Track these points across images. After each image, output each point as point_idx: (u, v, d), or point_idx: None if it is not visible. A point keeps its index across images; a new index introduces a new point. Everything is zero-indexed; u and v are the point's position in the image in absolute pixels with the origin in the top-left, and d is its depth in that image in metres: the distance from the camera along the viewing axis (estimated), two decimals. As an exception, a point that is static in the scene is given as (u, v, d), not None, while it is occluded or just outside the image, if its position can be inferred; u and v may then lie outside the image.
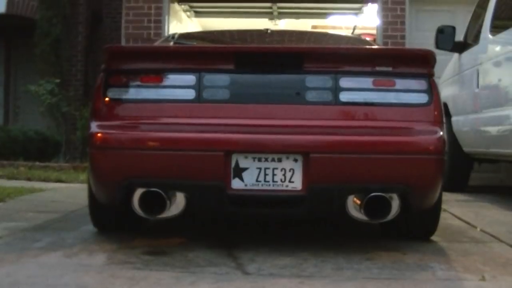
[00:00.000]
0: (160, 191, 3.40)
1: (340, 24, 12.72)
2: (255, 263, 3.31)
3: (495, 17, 6.40)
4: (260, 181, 3.45)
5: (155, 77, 3.60)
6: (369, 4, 10.70)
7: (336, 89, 3.54)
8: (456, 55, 7.35)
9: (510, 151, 5.70)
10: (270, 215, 3.94)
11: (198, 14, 12.08)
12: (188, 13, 11.82)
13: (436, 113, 3.59)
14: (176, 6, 10.96)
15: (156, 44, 4.82)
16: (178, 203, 3.51)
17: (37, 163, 9.43)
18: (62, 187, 7.12)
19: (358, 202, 3.47)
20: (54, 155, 10.66)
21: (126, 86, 3.62)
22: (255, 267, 3.23)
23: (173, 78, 3.61)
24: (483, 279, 3.08)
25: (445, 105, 7.26)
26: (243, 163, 3.45)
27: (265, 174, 3.45)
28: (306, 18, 12.30)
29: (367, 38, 5.75)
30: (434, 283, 3.05)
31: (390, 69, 3.61)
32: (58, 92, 10.80)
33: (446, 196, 5.14)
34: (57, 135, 11.09)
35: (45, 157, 10.33)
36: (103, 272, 3.10)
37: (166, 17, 10.17)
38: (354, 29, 12.35)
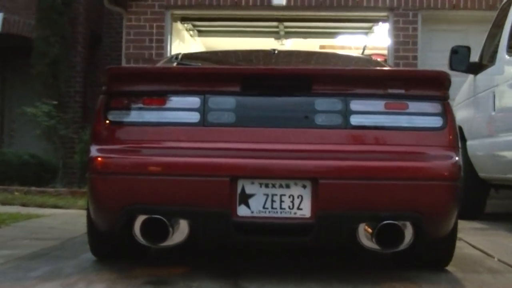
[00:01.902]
0: (163, 218, 3.41)
1: (350, 44, 12.76)
2: (261, 294, 3.30)
3: (512, 36, 6.42)
4: (267, 208, 3.46)
5: (158, 99, 3.62)
6: (380, 23, 10.76)
7: (346, 112, 3.56)
8: (471, 76, 7.36)
9: (528, 177, 5.69)
10: (277, 244, 3.94)
11: (201, 33, 12.15)
12: (191, 32, 11.89)
13: (451, 137, 3.59)
14: (178, 25, 11.03)
15: (159, 65, 4.85)
16: (181, 231, 3.52)
17: (33, 188, 9.45)
18: (59, 213, 7.12)
19: (370, 230, 3.47)
20: (51, 180, 10.69)
21: (128, 108, 3.64)
22: (261, 299, 3.22)
23: (176, 101, 3.63)
24: (501, 311, 3.07)
25: (460, 128, 7.26)
26: (249, 189, 3.46)
27: (273, 201, 3.45)
28: (314, 37, 12.36)
29: (378, 59, 5.77)
30: (449, 315, 3.03)
31: (402, 91, 3.62)
32: (55, 114, 10.85)
33: (462, 224, 5.13)
34: (54, 159, 11.12)
35: (42, 182, 10.35)
36: (102, 303, 3.10)
37: (169, 37, 10.24)
38: (364, 49, 12.36)
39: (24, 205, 7.87)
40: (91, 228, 3.90)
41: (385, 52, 10.52)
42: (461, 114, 7.42)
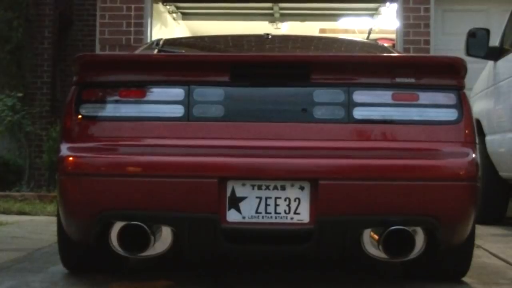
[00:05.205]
0: (143, 225, 3.42)
1: (353, 27, 12.79)
2: (255, 310, 3.32)
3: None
4: (260, 213, 3.47)
5: (137, 91, 3.64)
6: (388, 3, 10.77)
7: (349, 105, 3.58)
8: (490, 63, 7.38)
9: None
10: (272, 253, 3.96)
11: (186, 16, 12.15)
12: (174, 15, 11.89)
13: (467, 131, 3.62)
14: (160, 6, 11.02)
15: (138, 52, 4.86)
16: (164, 239, 3.53)
17: (-5, 192, 9.45)
18: (25, 220, 7.12)
19: (376, 237, 3.49)
20: (15, 183, 10.67)
21: (103, 101, 3.66)
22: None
23: (157, 92, 3.64)
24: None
25: (478, 122, 7.29)
26: (240, 191, 3.47)
27: (266, 205, 3.47)
28: (313, 20, 12.38)
29: (385, 44, 5.80)
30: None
31: (412, 80, 3.64)
32: (20, 108, 10.82)
33: (480, 229, 5.15)
34: (20, 159, 11.10)
35: (5, 185, 10.34)
36: (75, 321, 3.11)
37: (149, 20, 10.22)
38: (369, 33, 12.43)
39: (-16, 211, 7.88)
40: (62, 237, 3.91)
41: (393, 36, 10.54)
42: (479, 106, 7.44)
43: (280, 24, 12.51)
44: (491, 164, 7.09)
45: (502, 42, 7.24)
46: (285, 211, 3.47)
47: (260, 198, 3.47)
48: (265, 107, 3.60)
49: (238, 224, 3.47)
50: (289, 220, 3.48)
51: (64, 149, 3.60)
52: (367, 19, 12.13)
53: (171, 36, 8.24)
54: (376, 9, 11.51)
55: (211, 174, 3.45)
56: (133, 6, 10.09)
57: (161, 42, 4.83)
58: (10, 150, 11.31)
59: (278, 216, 3.47)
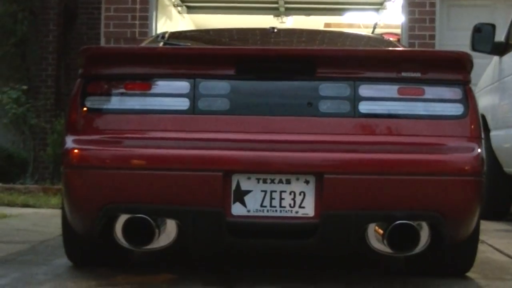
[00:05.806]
0: (148, 218, 3.42)
1: (358, 22, 12.77)
2: (259, 304, 3.32)
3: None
4: (265, 207, 3.47)
5: (142, 84, 3.64)
6: (393, -2, 10.76)
7: (355, 99, 3.57)
8: (496, 58, 7.37)
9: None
10: (276, 247, 3.96)
11: (191, 9, 12.14)
12: (179, 8, 11.88)
13: (472, 126, 3.61)
14: (165, 0, 11.01)
15: (143, 45, 4.86)
16: (168, 232, 3.53)
17: (0, 184, 9.44)
18: (29, 212, 7.13)
19: (381, 231, 3.49)
20: (20, 176, 10.68)
21: (108, 94, 3.66)
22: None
23: (163, 85, 3.64)
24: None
25: (483, 117, 7.28)
26: (245, 185, 3.48)
27: (271, 198, 3.47)
28: (318, 14, 12.37)
29: (390, 39, 5.79)
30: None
31: (418, 75, 3.64)
32: (25, 101, 10.84)
33: (484, 224, 5.15)
34: (24, 152, 11.11)
35: (9, 177, 10.34)
36: (79, 314, 3.11)
37: (154, 13, 10.21)
38: (374, 27, 12.41)
39: (-11, 204, 7.89)
40: (66, 229, 3.91)
41: (398, 31, 10.52)
42: (484, 101, 7.42)
43: (285, 18, 12.50)
44: (496, 160, 7.08)
45: (507, 37, 7.22)
46: (290, 205, 3.47)
47: (265, 191, 3.47)
48: (271, 100, 3.59)
49: (243, 218, 3.48)
50: (294, 214, 3.48)
51: (69, 141, 3.60)
52: (372, 14, 12.12)
53: (176, 29, 8.23)
54: (381, 4, 11.50)
55: (216, 167, 3.45)
56: (138, -1, 10.08)
57: (166, 35, 4.83)
58: (15, 143, 11.32)
59: (283, 210, 3.47)
